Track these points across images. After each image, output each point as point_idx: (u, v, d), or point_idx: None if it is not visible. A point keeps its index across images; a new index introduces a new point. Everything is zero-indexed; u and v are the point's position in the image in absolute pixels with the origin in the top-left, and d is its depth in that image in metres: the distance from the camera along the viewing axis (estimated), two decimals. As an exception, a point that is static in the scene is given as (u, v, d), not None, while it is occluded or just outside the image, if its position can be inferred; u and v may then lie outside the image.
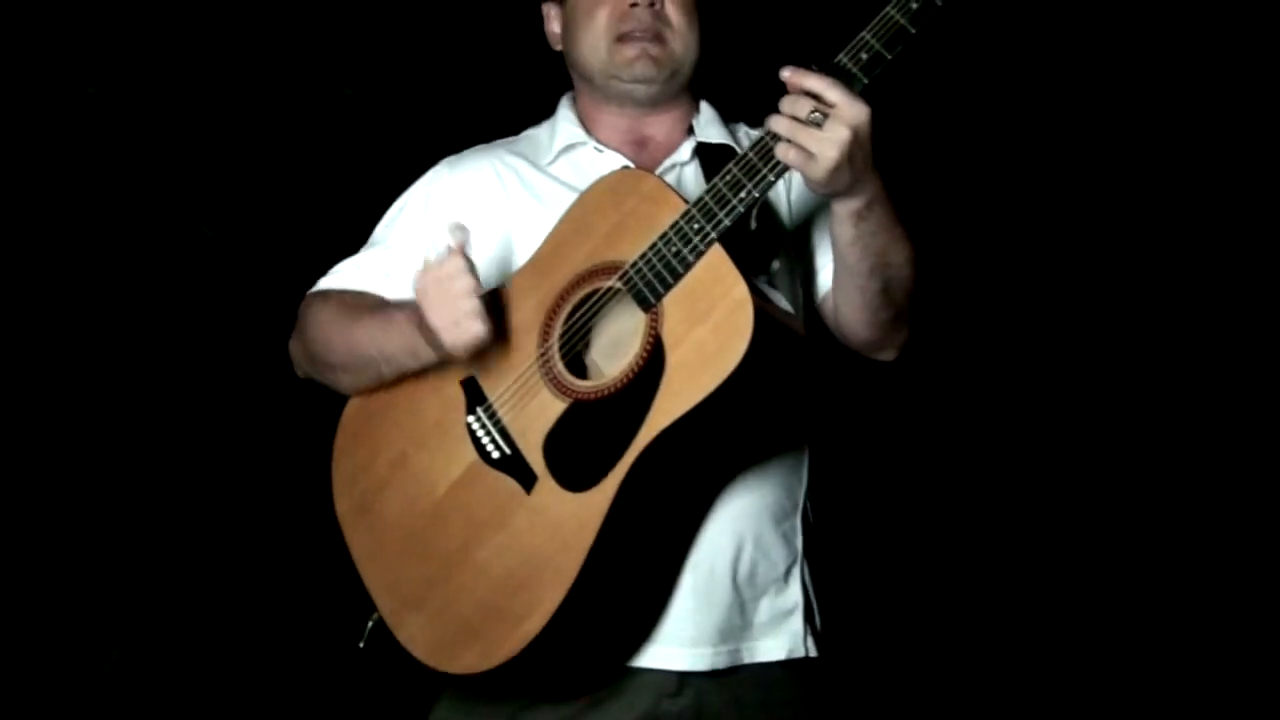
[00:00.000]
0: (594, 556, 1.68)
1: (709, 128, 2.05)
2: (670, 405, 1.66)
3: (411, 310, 1.78)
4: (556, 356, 1.79)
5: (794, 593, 1.90)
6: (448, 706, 1.88)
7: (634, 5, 1.98)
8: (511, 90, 2.84)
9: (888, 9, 1.65)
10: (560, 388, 1.77)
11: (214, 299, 3.47)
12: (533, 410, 1.78)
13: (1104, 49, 3.63)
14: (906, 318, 1.91)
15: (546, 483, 1.74)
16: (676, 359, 1.68)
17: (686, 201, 1.73)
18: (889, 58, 1.64)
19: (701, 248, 1.70)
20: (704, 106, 2.10)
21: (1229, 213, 3.67)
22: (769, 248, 1.93)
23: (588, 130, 2.06)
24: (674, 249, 1.71)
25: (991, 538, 3.87)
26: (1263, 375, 3.73)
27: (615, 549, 1.71)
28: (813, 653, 1.89)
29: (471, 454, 1.81)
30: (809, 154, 1.63)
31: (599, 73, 2.02)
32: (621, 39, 1.99)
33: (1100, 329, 3.85)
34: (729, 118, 2.12)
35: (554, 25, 2.13)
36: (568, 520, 1.70)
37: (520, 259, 1.94)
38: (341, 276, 2.02)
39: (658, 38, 1.99)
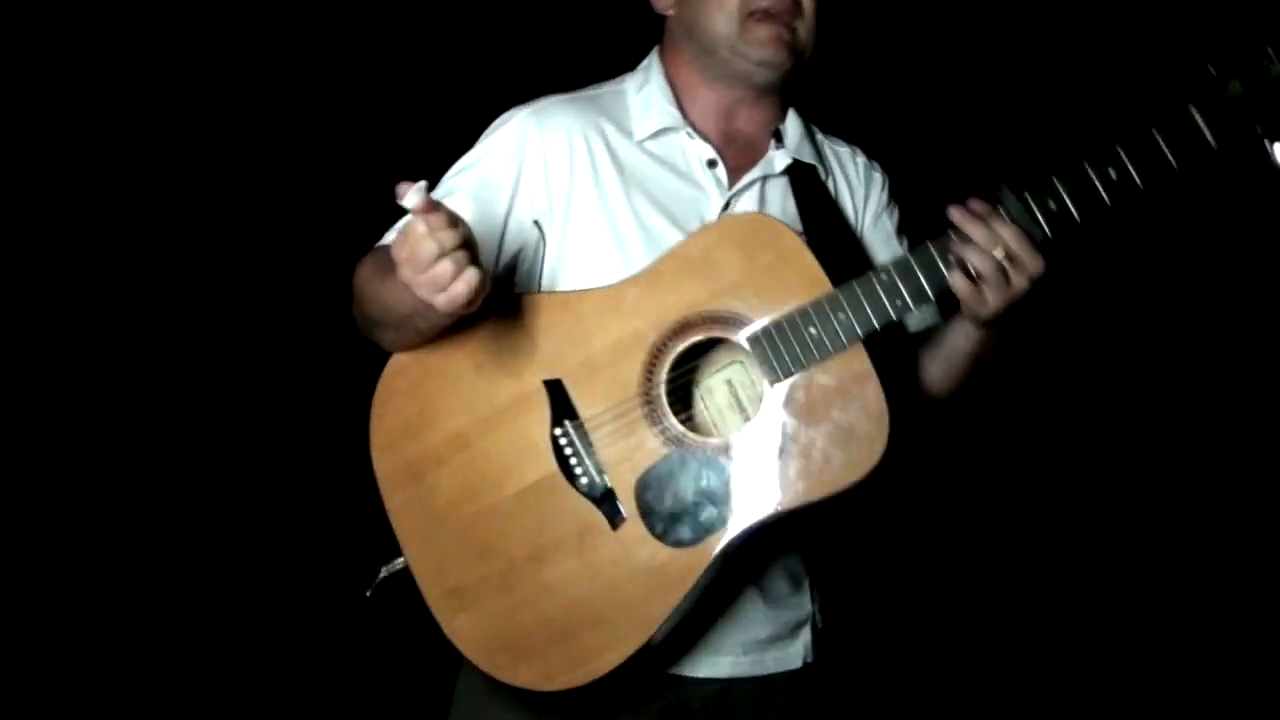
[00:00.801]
0: (682, 608, 1.76)
1: (800, 141, 2.01)
2: (786, 492, 1.71)
3: None
4: (663, 396, 1.77)
5: (805, 603, 2.04)
6: (471, 690, 1.93)
7: None
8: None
9: (1085, 167, 1.67)
10: (664, 431, 1.77)
11: (220, 293, 3.28)
12: (630, 444, 1.77)
13: (1103, 50, 3.63)
14: None
15: (636, 526, 1.76)
16: (803, 443, 1.71)
17: (832, 283, 1.73)
18: (1078, 221, 1.68)
19: (844, 342, 1.71)
20: (790, 110, 2.03)
21: (1229, 213, 3.70)
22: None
23: (680, 100, 1.96)
24: (814, 332, 1.71)
25: (982, 534, 3.96)
26: (1262, 375, 3.83)
27: (705, 597, 1.79)
28: (810, 658, 2.03)
29: (551, 466, 1.79)
30: (984, 298, 1.67)
31: (723, 45, 1.91)
32: (755, 15, 1.88)
33: (1097, 328, 3.91)
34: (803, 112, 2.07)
35: None
36: (657, 571, 1.74)
37: (589, 239, 1.87)
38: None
39: (790, 22, 1.90)
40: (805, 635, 2.03)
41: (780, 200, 1.95)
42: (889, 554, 3.74)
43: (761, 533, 1.76)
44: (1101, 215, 1.67)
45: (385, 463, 1.88)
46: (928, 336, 1.93)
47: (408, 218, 1.60)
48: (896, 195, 2.11)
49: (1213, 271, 3.85)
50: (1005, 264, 1.66)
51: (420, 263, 1.56)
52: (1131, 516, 3.95)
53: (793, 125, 2.01)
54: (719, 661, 1.94)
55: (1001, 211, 1.68)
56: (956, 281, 1.68)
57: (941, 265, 1.69)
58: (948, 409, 1.96)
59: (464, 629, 1.82)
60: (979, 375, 1.89)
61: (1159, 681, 3.72)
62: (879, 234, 2.06)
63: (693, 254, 1.79)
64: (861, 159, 2.09)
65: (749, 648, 1.96)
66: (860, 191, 2.06)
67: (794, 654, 2.01)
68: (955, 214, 1.69)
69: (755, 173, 1.95)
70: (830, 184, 2.02)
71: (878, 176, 2.09)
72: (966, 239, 1.67)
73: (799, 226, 1.92)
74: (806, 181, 1.97)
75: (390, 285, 1.70)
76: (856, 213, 2.04)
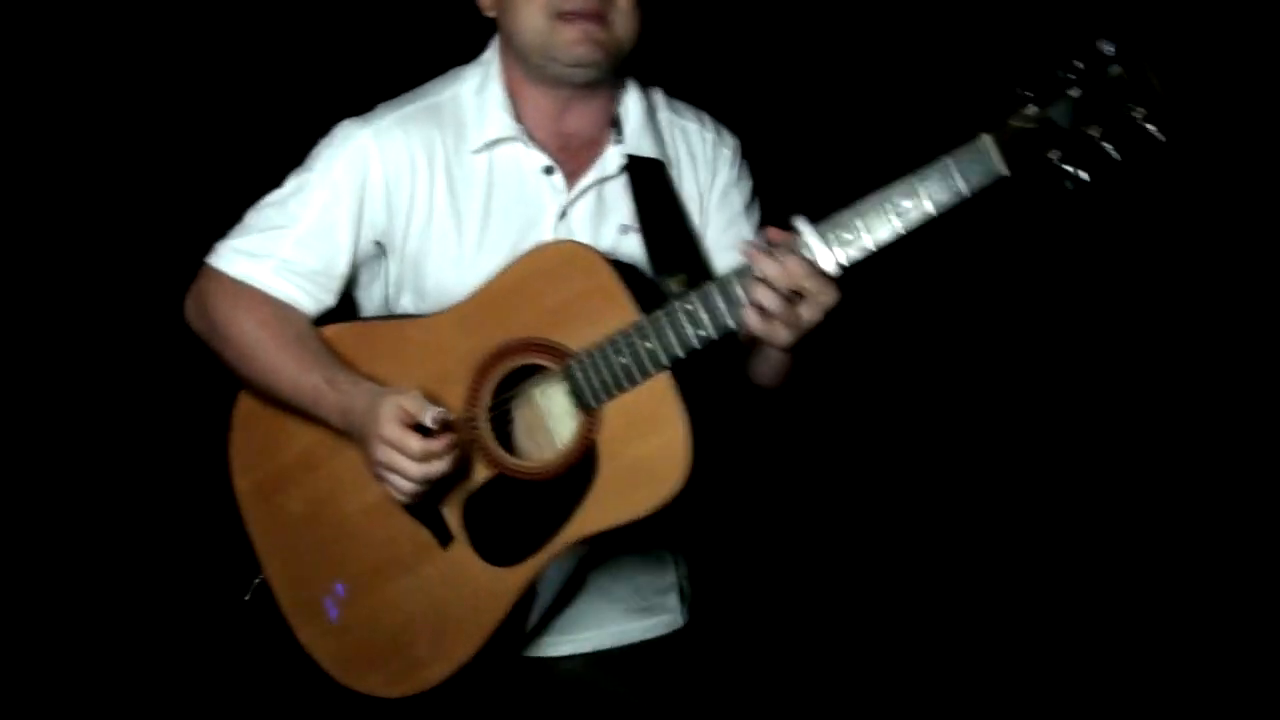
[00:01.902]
0: (506, 622, 1.84)
1: (640, 129, 1.98)
2: (598, 515, 1.77)
3: (354, 412, 1.78)
4: (485, 423, 1.83)
5: (669, 572, 2.10)
6: None
7: None
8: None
9: (882, 198, 1.65)
10: (487, 456, 1.83)
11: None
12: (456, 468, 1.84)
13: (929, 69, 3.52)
14: None
15: (463, 547, 1.84)
16: (610, 470, 1.76)
17: (640, 311, 1.75)
18: (873, 251, 1.67)
19: (651, 370, 1.74)
20: (630, 90, 2.01)
21: (1229, 213, 3.64)
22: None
23: (515, 103, 1.95)
24: (622, 361, 1.74)
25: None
26: (1261, 375, 3.76)
27: (524, 610, 1.87)
28: (680, 622, 2.10)
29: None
30: (776, 332, 1.69)
31: (534, 51, 1.89)
32: (562, 17, 1.85)
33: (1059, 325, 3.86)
34: (645, 79, 2.05)
35: None
36: (482, 588, 1.83)
37: (427, 256, 1.92)
38: (260, 268, 1.91)
39: (600, 18, 1.86)
40: (672, 602, 2.09)
41: (618, 201, 1.95)
42: (757, 522, 3.80)
43: (581, 546, 1.83)
44: (896, 244, 1.66)
45: (242, 481, 1.98)
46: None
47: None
48: (750, 163, 2.08)
49: (1206, 271, 3.76)
50: (795, 298, 1.67)
51: (412, 474, 1.72)
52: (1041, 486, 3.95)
53: (633, 110, 1.98)
54: (580, 638, 2.02)
55: (797, 243, 1.67)
56: (749, 317, 1.69)
57: (741, 295, 1.70)
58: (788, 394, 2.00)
59: (315, 640, 1.93)
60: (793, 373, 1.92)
61: (1079, 656, 3.76)
62: (725, 212, 2.04)
63: (511, 282, 1.82)
64: (710, 133, 2.05)
65: (612, 620, 2.03)
66: (706, 170, 2.03)
67: (661, 622, 2.08)
68: (747, 249, 1.69)
69: (590, 176, 1.94)
70: (675, 172, 2.00)
71: (726, 152, 2.05)
72: (758, 276, 1.67)
73: (636, 225, 1.94)
74: (645, 175, 1.96)
75: (298, 373, 1.85)
76: (702, 195, 2.02)
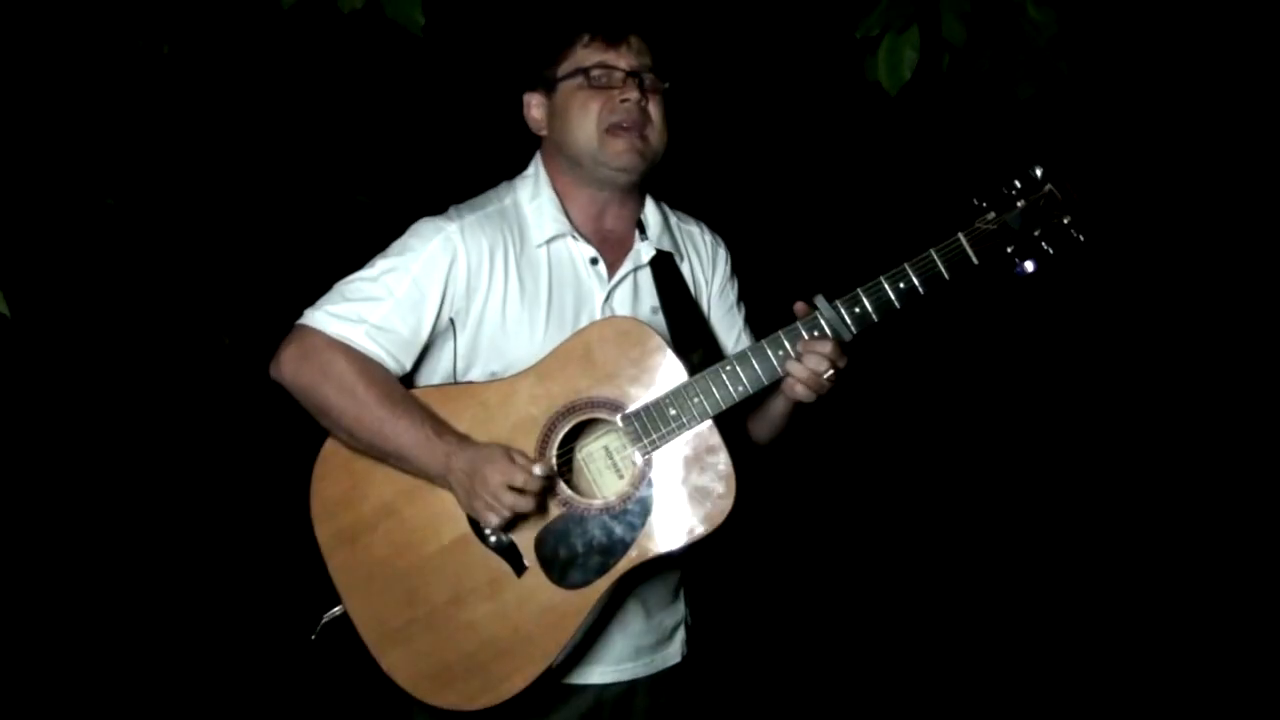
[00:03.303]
0: (575, 638, 2.18)
1: (660, 229, 2.43)
2: (655, 542, 2.15)
3: (457, 459, 2.14)
4: (554, 466, 2.19)
5: (680, 608, 2.48)
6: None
7: (624, 101, 2.29)
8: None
9: (880, 281, 2.15)
10: (557, 497, 2.19)
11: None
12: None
13: (1103, 50, 3.82)
14: None
15: (536, 574, 2.18)
16: (666, 504, 2.16)
17: (689, 373, 2.17)
18: (876, 321, 2.16)
19: (699, 420, 2.16)
20: (649, 198, 2.45)
21: (1229, 213, 4.05)
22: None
23: (562, 203, 2.36)
24: (674, 412, 2.16)
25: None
26: (1260, 375, 4.16)
27: (592, 628, 2.22)
28: (678, 658, 2.45)
29: (465, 527, 2.20)
30: (805, 394, 2.16)
31: (588, 159, 2.31)
32: (611, 130, 2.30)
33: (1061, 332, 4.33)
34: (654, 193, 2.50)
35: (534, 112, 2.39)
36: (553, 610, 2.17)
37: (498, 332, 2.28)
38: (356, 331, 2.22)
39: (642, 132, 2.31)
40: (681, 635, 2.47)
41: (647, 288, 2.39)
42: (752, 561, 4.09)
43: (639, 571, 2.20)
44: (893, 316, 2.15)
45: (324, 528, 2.26)
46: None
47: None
48: (736, 268, 2.55)
49: (1213, 272, 4.18)
50: (832, 371, 2.15)
51: (497, 505, 2.11)
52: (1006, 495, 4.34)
53: (652, 215, 2.43)
54: (620, 668, 2.37)
55: (827, 332, 2.15)
56: (796, 390, 2.17)
57: (775, 363, 2.16)
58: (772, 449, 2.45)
59: (397, 664, 2.22)
60: (793, 423, 2.38)
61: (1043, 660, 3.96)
62: (723, 304, 2.50)
63: (575, 349, 2.22)
64: (708, 235, 2.52)
65: (640, 652, 2.39)
66: (708, 266, 2.49)
67: (673, 653, 2.45)
68: (800, 346, 2.17)
69: (627, 266, 2.37)
70: (686, 266, 2.45)
71: (722, 252, 2.52)
72: (806, 363, 2.15)
73: (660, 308, 2.37)
74: (666, 268, 2.40)
75: (402, 429, 2.18)
76: (706, 284, 2.48)
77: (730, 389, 2.17)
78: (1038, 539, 4.38)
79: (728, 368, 2.17)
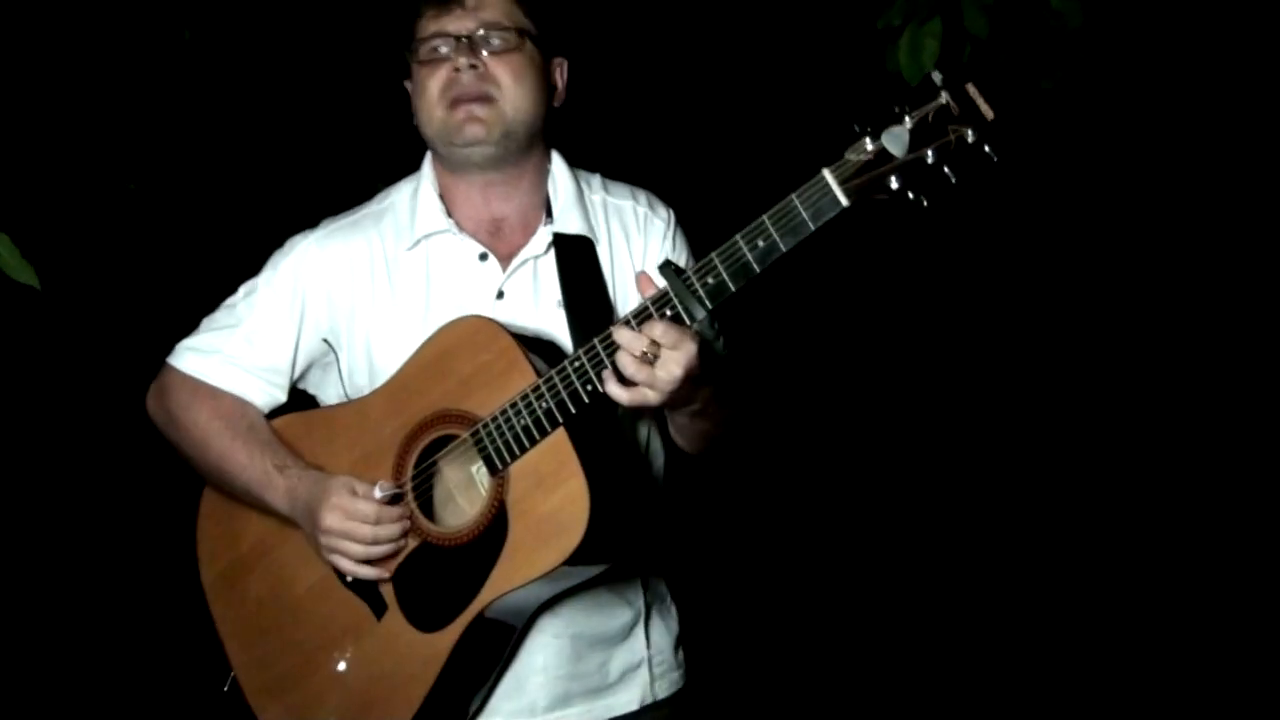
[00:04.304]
0: (437, 687, 1.91)
1: (569, 209, 2.10)
2: (511, 574, 1.84)
3: (299, 495, 1.94)
4: (410, 494, 1.94)
5: (637, 649, 2.12)
6: None
7: (457, 70, 2.00)
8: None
9: (737, 240, 1.74)
10: (413, 526, 1.93)
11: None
12: (385, 541, 1.94)
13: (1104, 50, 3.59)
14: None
15: (396, 616, 1.93)
16: (519, 531, 1.84)
17: (538, 373, 1.85)
18: (733, 290, 1.75)
19: (549, 429, 1.83)
20: (558, 168, 2.12)
21: (1229, 213, 3.75)
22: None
23: (446, 203, 2.10)
24: (523, 422, 1.84)
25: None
26: (1259, 375, 3.85)
27: (458, 675, 1.93)
28: (661, 695, 2.12)
29: (326, 567, 1.99)
30: (646, 396, 1.77)
31: (439, 141, 2.05)
32: (453, 105, 2.02)
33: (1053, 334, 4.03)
34: (587, 163, 2.18)
35: (412, 102, 2.13)
36: (415, 654, 1.91)
37: (376, 348, 2.05)
38: (209, 363, 2.07)
39: (484, 99, 2.01)
40: (642, 678, 2.11)
41: (551, 278, 2.06)
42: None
43: (505, 606, 1.90)
44: (752, 281, 1.74)
45: (208, 573, 2.12)
46: None
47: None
48: (686, 232, 2.17)
49: (1213, 272, 3.84)
50: (653, 360, 1.75)
51: (363, 535, 1.90)
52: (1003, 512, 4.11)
53: (563, 191, 2.11)
54: (550, 716, 2.04)
55: (680, 312, 1.76)
56: (611, 389, 1.78)
57: (605, 360, 1.79)
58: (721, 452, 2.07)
59: (277, 720, 2.03)
60: (709, 444, 1.98)
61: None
62: None
63: (425, 360, 1.95)
64: (643, 208, 2.15)
65: (571, 698, 2.04)
66: (639, 243, 2.13)
67: (624, 700, 2.09)
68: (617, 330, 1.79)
69: (522, 256, 2.07)
70: (605, 248, 2.10)
71: (658, 223, 2.14)
72: (615, 344, 1.77)
73: (564, 301, 2.04)
74: (574, 254, 2.07)
75: (247, 462, 2.01)
76: (633, 263, 2.11)
77: (578, 386, 1.80)
78: (1038, 544, 4.16)
79: (575, 362, 1.83)
